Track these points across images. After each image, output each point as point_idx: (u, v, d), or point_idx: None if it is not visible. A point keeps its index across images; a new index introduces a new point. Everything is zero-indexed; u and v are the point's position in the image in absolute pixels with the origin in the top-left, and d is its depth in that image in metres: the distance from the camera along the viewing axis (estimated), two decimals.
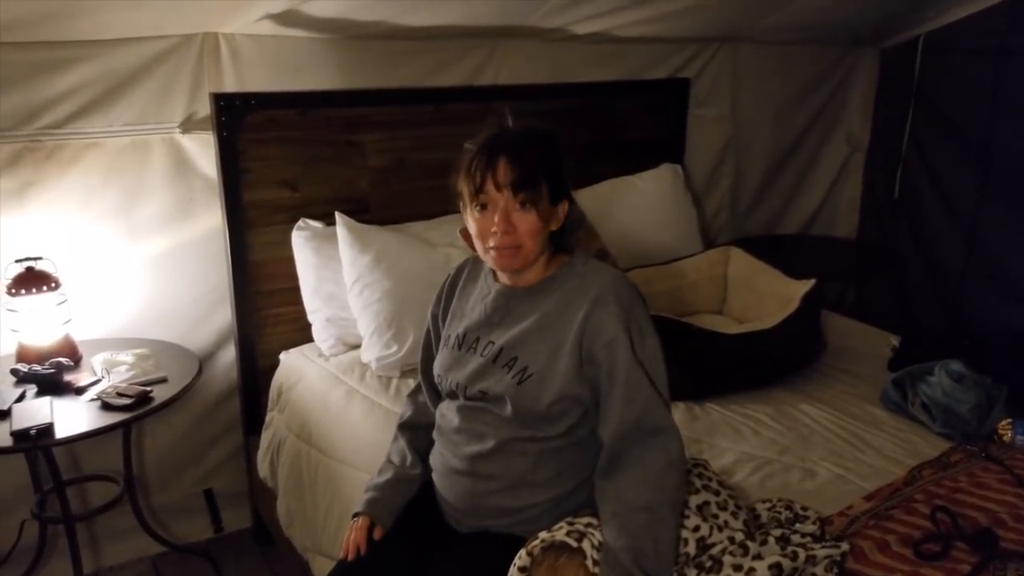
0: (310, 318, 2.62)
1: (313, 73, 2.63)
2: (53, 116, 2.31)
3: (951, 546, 1.63)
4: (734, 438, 2.16)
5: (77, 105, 2.32)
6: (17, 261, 2.27)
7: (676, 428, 1.56)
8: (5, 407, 2.06)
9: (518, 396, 1.56)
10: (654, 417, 1.52)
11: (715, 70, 3.51)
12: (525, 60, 3.02)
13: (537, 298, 1.62)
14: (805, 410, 2.31)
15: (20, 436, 1.94)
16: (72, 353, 2.34)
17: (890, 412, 2.30)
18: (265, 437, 2.55)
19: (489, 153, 1.53)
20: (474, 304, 1.71)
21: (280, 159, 2.56)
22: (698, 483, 1.68)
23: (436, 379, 1.72)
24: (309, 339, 2.65)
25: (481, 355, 1.63)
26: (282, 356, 2.65)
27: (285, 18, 2.41)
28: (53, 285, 2.26)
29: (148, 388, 2.18)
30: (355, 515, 1.69)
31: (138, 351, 2.37)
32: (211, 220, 2.57)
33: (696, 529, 1.57)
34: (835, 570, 1.54)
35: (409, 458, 1.77)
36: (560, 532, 1.52)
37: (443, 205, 2.67)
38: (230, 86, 2.49)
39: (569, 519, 1.56)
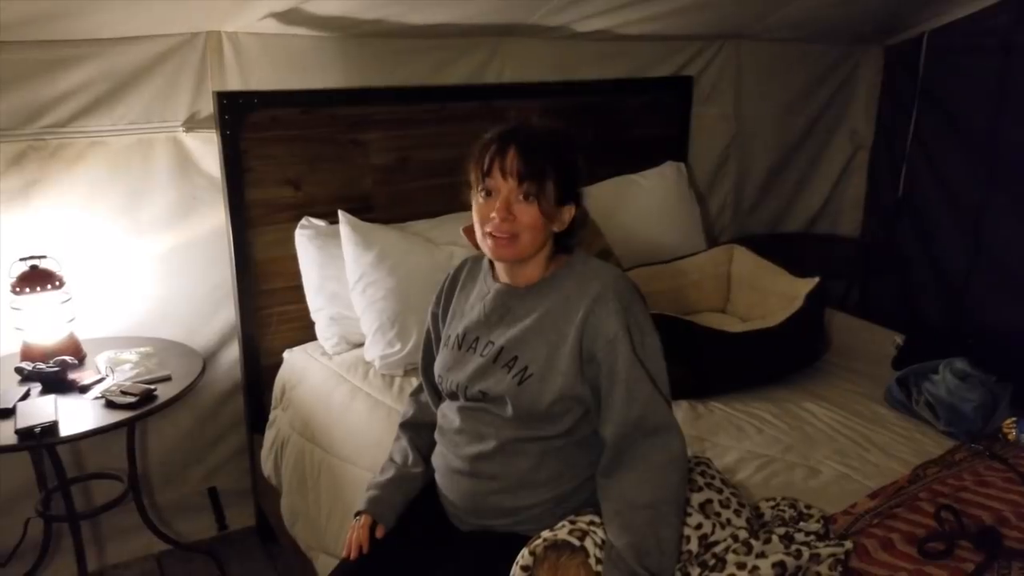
0: (313, 316, 2.62)
1: (316, 72, 2.63)
2: (57, 115, 2.31)
3: (955, 545, 1.63)
4: (737, 436, 2.16)
5: (81, 104, 2.33)
6: (21, 259, 2.27)
7: (677, 426, 1.56)
8: (10, 405, 2.06)
9: (518, 396, 1.55)
10: (655, 415, 1.52)
11: (719, 68, 3.51)
12: (528, 58, 3.01)
13: (537, 297, 1.61)
14: (809, 408, 2.30)
15: (25, 434, 1.95)
16: (76, 351, 2.35)
17: (894, 410, 2.29)
18: (269, 435, 2.55)
19: (502, 141, 1.53)
20: (473, 303, 1.70)
21: (283, 158, 2.57)
22: (701, 481, 1.68)
23: (437, 379, 1.72)
24: (312, 337, 2.65)
25: (481, 355, 1.63)
26: (285, 354, 2.65)
27: (288, 17, 2.41)
28: (57, 283, 2.27)
29: (152, 386, 2.19)
30: (357, 514, 1.69)
31: (142, 349, 2.37)
32: (214, 219, 2.57)
33: (699, 527, 1.57)
34: (839, 568, 1.54)
35: (411, 457, 1.77)
36: (562, 531, 1.52)
37: (446, 203, 2.70)
38: (233, 85, 2.49)
39: (571, 518, 1.56)
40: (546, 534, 1.52)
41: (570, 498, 1.61)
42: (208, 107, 2.49)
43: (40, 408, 2.05)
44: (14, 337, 2.33)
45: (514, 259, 1.59)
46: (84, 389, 2.18)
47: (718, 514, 1.62)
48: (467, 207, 1.61)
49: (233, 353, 2.73)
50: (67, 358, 2.26)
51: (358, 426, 2.22)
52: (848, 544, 1.60)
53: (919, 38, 3.63)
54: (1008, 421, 2.12)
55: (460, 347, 1.67)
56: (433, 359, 1.76)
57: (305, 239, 2.57)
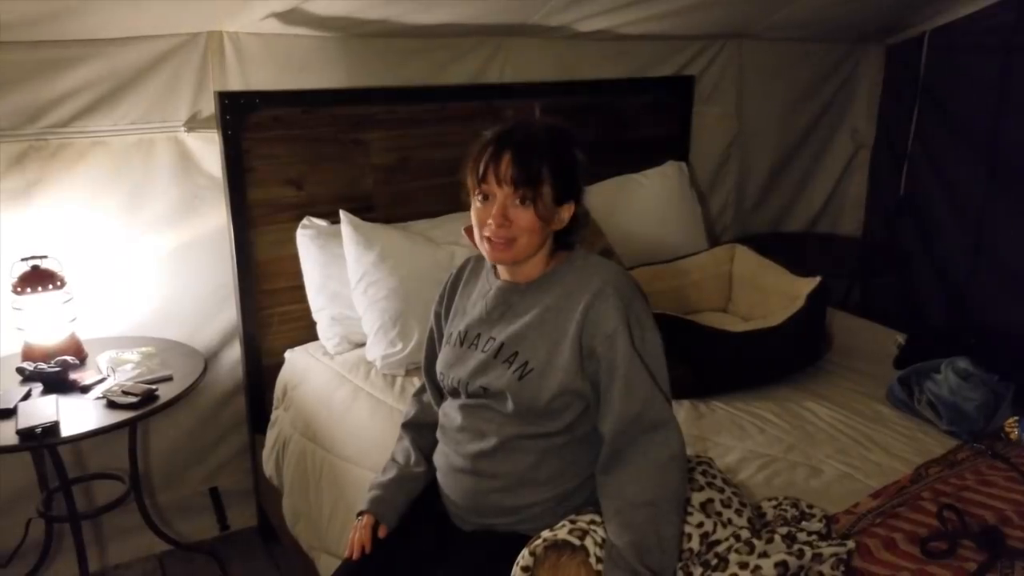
0: (315, 316, 2.62)
1: (318, 71, 2.63)
2: (58, 115, 2.31)
3: (958, 544, 1.63)
4: (739, 436, 2.15)
5: (82, 104, 2.33)
6: (23, 259, 2.27)
7: (676, 422, 1.56)
8: (11, 405, 2.06)
9: (519, 391, 1.55)
10: (654, 411, 1.52)
11: (720, 67, 3.51)
12: (530, 58, 3.02)
13: (537, 293, 1.61)
14: (811, 408, 2.30)
15: (26, 435, 1.95)
16: (77, 351, 2.35)
17: (896, 410, 2.29)
18: (270, 435, 2.55)
19: (497, 146, 1.53)
20: (475, 301, 1.71)
21: (285, 157, 2.57)
22: (702, 480, 1.68)
23: (439, 377, 1.72)
24: (314, 337, 2.65)
25: (482, 351, 1.63)
26: (287, 354, 2.65)
27: (289, 16, 2.41)
28: (59, 283, 2.27)
29: (153, 386, 2.18)
30: (359, 514, 1.69)
31: (143, 349, 2.37)
32: (216, 219, 2.57)
33: (700, 525, 1.57)
34: (841, 568, 1.54)
35: (413, 457, 1.77)
36: (562, 531, 1.51)
37: (448, 203, 2.70)
38: (235, 85, 2.49)
39: (571, 517, 1.56)
40: (546, 534, 1.52)
41: (571, 497, 1.61)
42: (209, 107, 2.48)
43: (41, 408, 2.05)
44: (15, 337, 2.33)
45: (512, 262, 1.60)
46: (85, 389, 2.18)
47: (719, 513, 1.62)
48: (468, 207, 1.61)
49: (235, 353, 2.73)
50: (68, 358, 2.26)
51: (360, 426, 2.22)
52: (850, 544, 1.60)
53: (920, 37, 3.63)
54: (1010, 420, 2.12)
55: (462, 344, 1.67)
56: (436, 358, 1.76)
57: (307, 239, 2.57)
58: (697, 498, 1.62)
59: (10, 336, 2.36)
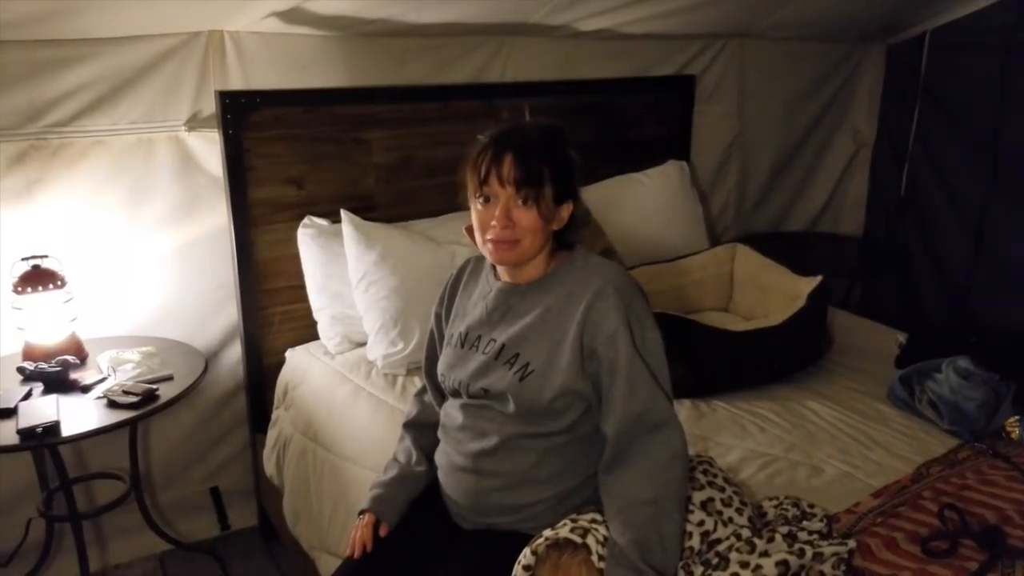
0: (316, 316, 2.62)
1: (319, 71, 2.63)
2: (59, 114, 2.31)
3: (959, 543, 1.63)
4: (740, 435, 2.15)
5: (83, 103, 2.33)
6: (23, 259, 2.27)
7: (678, 422, 1.56)
8: (11, 405, 2.06)
9: (520, 392, 1.56)
10: (656, 410, 1.52)
11: (721, 67, 3.51)
12: (531, 57, 3.02)
13: (538, 294, 1.62)
14: (812, 407, 2.30)
15: (26, 434, 1.95)
16: (78, 351, 2.35)
17: (897, 409, 2.29)
18: (271, 435, 2.55)
19: (496, 147, 1.54)
20: (476, 302, 1.71)
21: (286, 157, 2.57)
22: (703, 479, 1.68)
23: (439, 378, 1.73)
24: (315, 337, 2.65)
25: (483, 353, 1.63)
26: (288, 354, 2.65)
27: (291, 16, 2.41)
28: (59, 283, 2.26)
29: (154, 386, 2.18)
30: (361, 512, 1.69)
31: (144, 349, 2.37)
32: (217, 218, 2.57)
33: (701, 524, 1.57)
34: (842, 567, 1.54)
35: (414, 456, 1.77)
36: (564, 529, 1.51)
37: (449, 202, 2.65)
38: (235, 84, 2.49)
39: (573, 516, 1.56)
40: (548, 533, 1.52)
41: (572, 496, 1.61)
42: (210, 106, 2.48)
43: (42, 408, 2.05)
44: (16, 337, 2.33)
45: (516, 263, 1.60)
46: (86, 389, 2.18)
47: (720, 512, 1.62)
48: (468, 207, 1.62)
49: (235, 353, 2.73)
50: (69, 358, 2.26)
51: (360, 426, 2.22)
52: (851, 543, 1.59)
53: (921, 37, 3.63)
54: (1011, 420, 2.12)
55: (462, 346, 1.68)
56: (436, 359, 1.76)
57: (307, 238, 2.57)
58: (698, 497, 1.62)
59: (10, 336, 2.36)
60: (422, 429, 1.83)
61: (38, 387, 2.18)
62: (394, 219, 2.68)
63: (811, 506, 1.74)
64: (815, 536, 1.61)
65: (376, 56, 2.71)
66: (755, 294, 2.81)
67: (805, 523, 1.67)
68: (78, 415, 2.06)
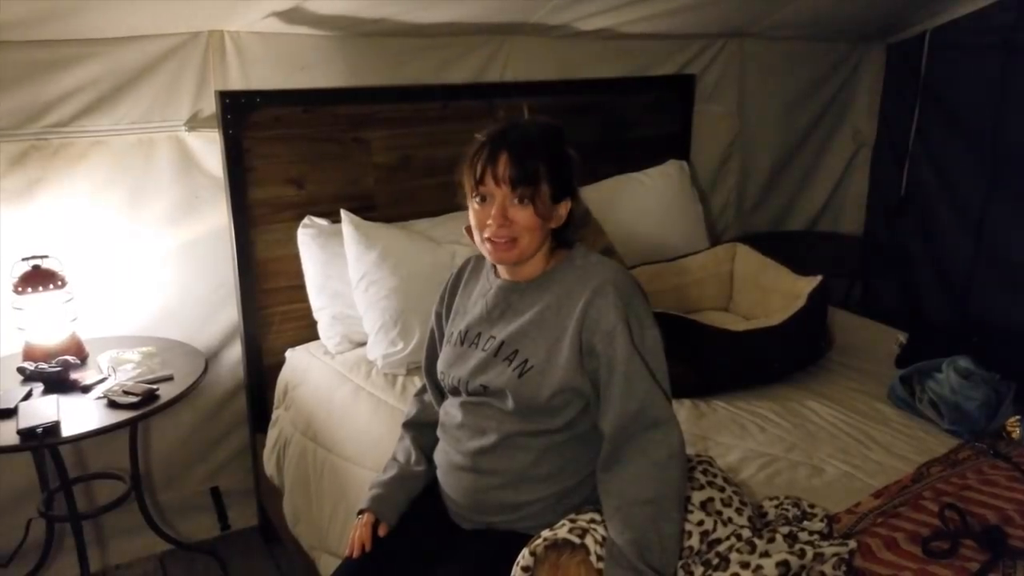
0: (316, 316, 2.62)
1: (319, 70, 2.63)
2: (59, 114, 2.31)
3: (960, 544, 1.63)
4: (740, 435, 2.15)
5: (83, 103, 2.33)
6: (24, 259, 2.27)
7: (676, 420, 1.56)
8: (12, 405, 2.06)
9: (519, 389, 1.56)
10: (654, 408, 1.52)
11: (721, 66, 3.51)
12: (531, 57, 3.01)
13: (537, 292, 1.62)
14: (812, 407, 2.30)
15: (27, 434, 1.94)
16: (78, 351, 2.35)
17: (898, 409, 2.29)
18: (271, 435, 2.55)
19: (493, 146, 1.54)
20: (475, 300, 1.71)
21: (286, 157, 2.56)
22: (702, 479, 1.68)
23: (439, 376, 1.73)
24: (315, 337, 2.65)
25: (482, 350, 1.63)
26: (288, 354, 2.65)
27: (290, 16, 2.41)
28: (59, 283, 2.26)
29: (154, 386, 2.18)
30: (360, 512, 1.69)
31: (144, 349, 2.37)
32: (217, 218, 2.57)
33: (700, 524, 1.57)
34: (843, 568, 1.54)
35: (414, 456, 1.78)
36: (562, 529, 1.51)
37: (449, 202, 2.64)
38: (236, 84, 2.49)
39: (571, 516, 1.56)
40: (546, 533, 1.52)
41: (571, 495, 1.61)
42: (210, 106, 2.48)
43: (42, 408, 2.05)
44: (16, 337, 2.33)
45: (515, 261, 1.60)
46: (86, 389, 2.18)
47: (719, 512, 1.62)
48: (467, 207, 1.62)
49: (235, 353, 2.73)
50: (69, 358, 2.26)
51: (360, 425, 2.22)
52: (852, 543, 1.59)
53: (921, 36, 3.63)
54: (1012, 419, 2.12)
55: (462, 343, 1.68)
56: (437, 358, 1.76)
57: (307, 238, 2.57)
58: (697, 496, 1.62)
59: (11, 336, 2.36)
60: (422, 429, 1.83)
61: (38, 387, 2.17)
62: (394, 219, 2.68)
63: (811, 506, 1.74)
64: (816, 536, 1.61)
65: (376, 56, 2.71)
66: (755, 294, 2.81)
67: (806, 523, 1.67)
68: (78, 415, 2.06)
